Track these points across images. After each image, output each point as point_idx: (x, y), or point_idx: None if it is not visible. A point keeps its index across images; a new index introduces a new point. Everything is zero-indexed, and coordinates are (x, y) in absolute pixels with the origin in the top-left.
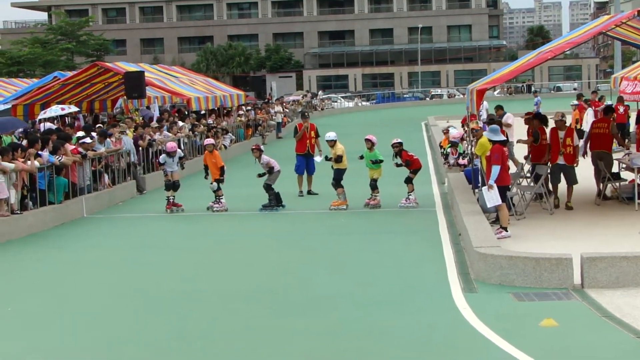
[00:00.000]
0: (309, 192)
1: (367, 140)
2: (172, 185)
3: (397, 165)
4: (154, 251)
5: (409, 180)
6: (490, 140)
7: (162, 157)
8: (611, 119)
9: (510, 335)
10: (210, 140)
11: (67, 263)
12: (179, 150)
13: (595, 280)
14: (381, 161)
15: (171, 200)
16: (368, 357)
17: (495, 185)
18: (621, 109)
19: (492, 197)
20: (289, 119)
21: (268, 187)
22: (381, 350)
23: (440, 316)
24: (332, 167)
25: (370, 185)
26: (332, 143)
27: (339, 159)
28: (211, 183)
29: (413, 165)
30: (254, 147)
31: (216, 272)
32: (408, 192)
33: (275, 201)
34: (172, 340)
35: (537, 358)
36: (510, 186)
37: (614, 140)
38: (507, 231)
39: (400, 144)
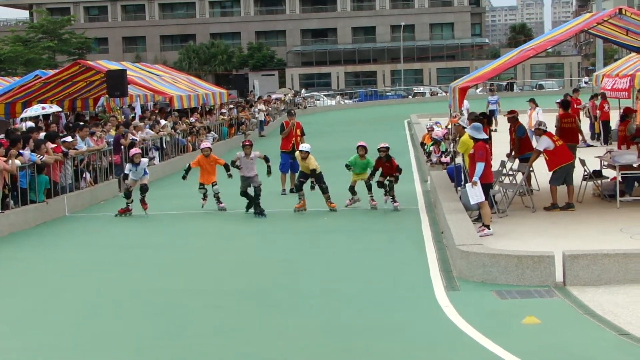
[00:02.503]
0: (293, 190)
1: (362, 147)
2: (130, 194)
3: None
4: (137, 250)
5: (392, 187)
6: (472, 138)
7: (128, 167)
8: (575, 114)
9: (493, 333)
10: (207, 144)
11: (48, 262)
12: (143, 160)
13: (578, 277)
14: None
15: (130, 207)
16: (352, 355)
17: (479, 182)
18: (606, 106)
19: (475, 193)
20: (271, 118)
21: (245, 194)
22: (365, 348)
23: (423, 314)
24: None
25: (368, 187)
26: (305, 155)
27: (312, 173)
28: (214, 185)
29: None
30: (246, 142)
31: (201, 270)
32: (393, 196)
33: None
34: (158, 339)
35: (520, 356)
36: (492, 184)
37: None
38: (489, 229)
39: (388, 148)
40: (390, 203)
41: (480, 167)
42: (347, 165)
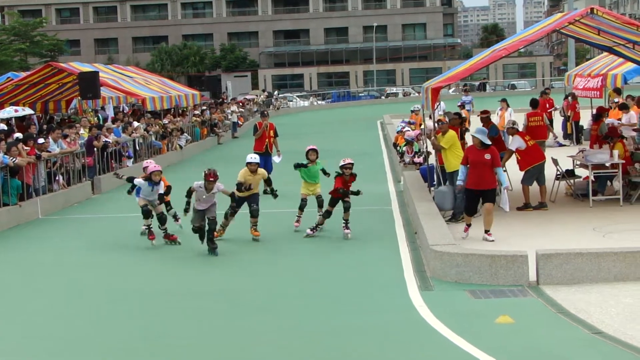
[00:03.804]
0: (266, 191)
1: (313, 150)
2: (149, 213)
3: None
4: (111, 252)
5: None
6: (482, 144)
7: (140, 181)
8: (543, 113)
9: (467, 333)
10: (155, 166)
11: (22, 264)
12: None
13: (551, 276)
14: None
15: (152, 229)
16: (327, 355)
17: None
18: (577, 107)
19: (506, 199)
20: (245, 119)
21: (200, 230)
22: (339, 348)
23: (397, 314)
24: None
25: (318, 203)
26: (254, 167)
27: (267, 182)
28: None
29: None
30: (210, 177)
31: (176, 272)
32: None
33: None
34: (133, 340)
35: (494, 355)
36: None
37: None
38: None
39: (353, 165)
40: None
41: (501, 171)
42: (298, 165)
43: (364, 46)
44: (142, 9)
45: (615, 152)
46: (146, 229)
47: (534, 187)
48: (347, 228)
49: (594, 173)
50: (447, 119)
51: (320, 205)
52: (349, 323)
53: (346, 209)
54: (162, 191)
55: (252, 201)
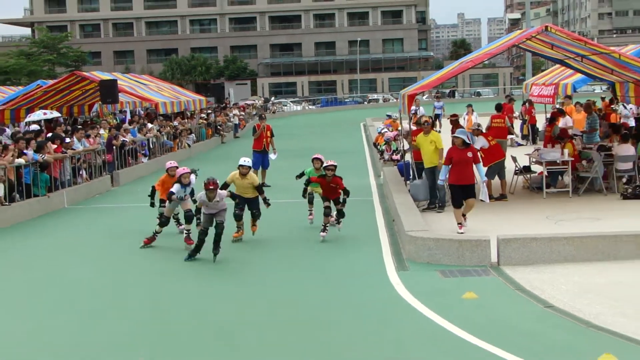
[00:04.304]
0: (263, 184)
1: (317, 159)
2: (192, 218)
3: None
4: (128, 237)
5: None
6: (464, 142)
7: (176, 188)
8: (506, 115)
9: (437, 307)
10: (174, 163)
11: (50, 248)
12: (192, 177)
13: (510, 258)
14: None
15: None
16: (311, 326)
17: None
18: (533, 111)
19: (486, 192)
20: (245, 121)
21: (205, 233)
22: (323, 321)
23: (376, 291)
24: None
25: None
26: (245, 170)
27: (257, 189)
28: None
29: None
30: (210, 185)
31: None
32: (327, 225)
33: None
34: (148, 310)
35: (460, 326)
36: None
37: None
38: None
39: (336, 167)
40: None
41: (481, 167)
42: (301, 174)
43: (349, 58)
44: (156, 25)
45: (566, 151)
46: (186, 233)
47: (496, 180)
48: (325, 231)
49: (547, 169)
50: (429, 121)
51: (311, 202)
52: (334, 299)
53: (325, 214)
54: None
55: (253, 207)
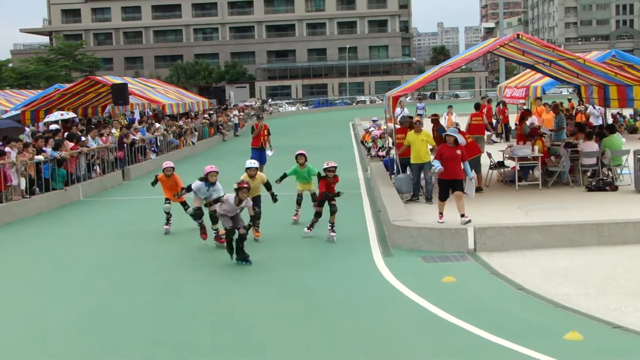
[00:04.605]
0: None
1: (301, 155)
2: (201, 216)
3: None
4: (138, 226)
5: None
6: (456, 140)
7: (197, 185)
8: (483, 113)
9: (419, 289)
10: (169, 164)
11: (67, 236)
12: (219, 183)
13: (485, 245)
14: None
15: (221, 234)
16: (304, 306)
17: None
18: (506, 112)
19: (472, 187)
20: (244, 121)
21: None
22: (315, 301)
23: (364, 274)
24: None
25: (313, 199)
26: (253, 172)
27: (266, 186)
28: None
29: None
30: (244, 184)
31: (190, 241)
32: (332, 223)
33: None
34: (160, 293)
35: (440, 307)
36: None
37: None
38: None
39: (336, 167)
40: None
41: (467, 164)
42: (284, 175)
43: (339, 63)
44: (163, 33)
45: (536, 148)
46: (199, 225)
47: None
48: (333, 231)
49: (520, 164)
50: (418, 120)
51: (314, 200)
52: (325, 281)
53: (332, 212)
54: (221, 193)
55: (256, 204)
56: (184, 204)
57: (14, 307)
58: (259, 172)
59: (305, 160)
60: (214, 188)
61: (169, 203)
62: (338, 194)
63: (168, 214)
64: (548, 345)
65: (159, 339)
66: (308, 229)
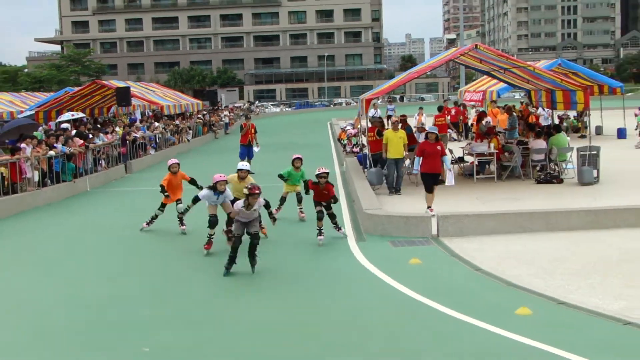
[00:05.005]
0: (248, 172)
1: (298, 159)
2: (216, 224)
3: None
4: (140, 214)
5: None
6: (436, 137)
7: (204, 193)
8: (445, 114)
9: (389, 270)
10: (174, 160)
11: (76, 223)
12: (228, 190)
13: (447, 231)
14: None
15: (212, 239)
16: (284, 285)
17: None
18: (466, 113)
19: (451, 178)
20: (234, 120)
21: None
22: (295, 281)
23: (339, 257)
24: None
25: (298, 199)
26: (244, 174)
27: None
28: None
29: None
30: (255, 189)
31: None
32: (322, 228)
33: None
34: (160, 277)
35: (407, 285)
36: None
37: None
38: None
39: (328, 174)
40: (336, 231)
41: (446, 158)
42: (280, 176)
43: (318, 69)
44: (162, 42)
45: (492, 145)
46: (208, 237)
47: None
48: (321, 234)
49: (477, 159)
50: (394, 120)
51: (299, 201)
52: (305, 263)
53: (319, 219)
54: (231, 198)
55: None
56: (179, 200)
57: (26, 285)
58: (249, 177)
59: (301, 164)
60: (224, 195)
61: (181, 202)
62: (335, 200)
63: (182, 213)
64: (501, 320)
65: (157, 316)
66: (320, 235)
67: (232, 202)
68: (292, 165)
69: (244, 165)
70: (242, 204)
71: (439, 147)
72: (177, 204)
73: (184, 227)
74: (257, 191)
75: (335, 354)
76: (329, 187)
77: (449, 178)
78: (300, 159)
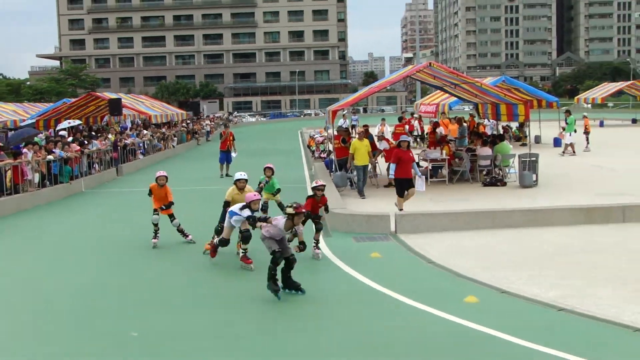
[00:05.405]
0: (227, 175)
1: (269, 168)
2: (250, 239)
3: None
4: (130, 211)
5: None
6: (409, 145)
7: (238, 208)
8: (404, 124)
9: (352, 263)
10: (162, 173)
11: (72, 220)
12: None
13: (404, 228)
14: (279, 190)
15: (247, 254)
16: (256, 275)
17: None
18: (422, 123)
19: (421, 183)
20: (214, 129)
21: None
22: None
23: (308, 251)
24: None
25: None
26: (243, 184)
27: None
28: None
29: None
30: (300, 209)
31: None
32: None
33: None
34: (146, 270)
35: (368, 277)
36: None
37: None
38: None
39: (324, 186)
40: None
41: (415, 165)
42: (260, 183)
43: (291, 84)
44: (150, 59)
45: (444, 152)
46: (242, 253)
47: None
48: (318, 248)
49: (431, 164)
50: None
51: (282, 208)
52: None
53: (317, 230)
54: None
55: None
56: (172, 216)
57: (28, 274)
58: (248, 187)
59: (272, 174)
60: (257, 215)
61: (158, 214)
62: (326, 210)
63: (156, 225)
64: (451, 306)
65: (146, 300)
66: (316, 248)
67: (264, 219)
68: (263, 173)
69: (241, 175)
70: (284, 223)
71: (411, 154)
72: (171, 221)
73: (190, 237)
74: (302, 210)
75: (301, 336)
76: (324, 200)
77: (420, 184)
78: (271, 168)
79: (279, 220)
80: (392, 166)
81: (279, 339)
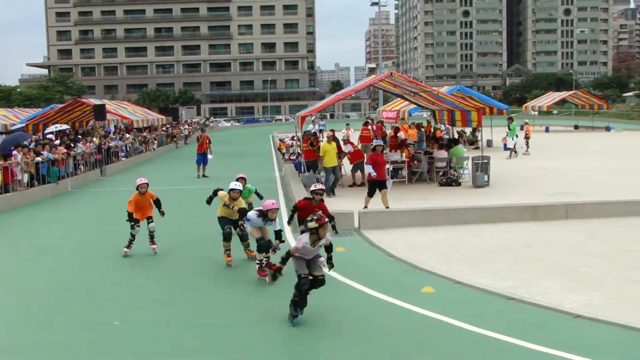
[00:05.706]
0: (204, 175)
1: (242, 178)
2: (268, 246)
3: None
4: (114, 211)
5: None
6: (383, 149)
7: (254, 215)
8: (369, 128)
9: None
10: (143, 180)
11: (59, 218)
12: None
13: (367, 225)
14: (256, 191)
15: (265, 262)
16: (224, 273)
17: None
18: (383, 128)
19: (389, 184)
20: (192, 133)
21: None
22: (235, 268)
23: (280, 253)
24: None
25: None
26: (236, 194)
27: (241, 212)
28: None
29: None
30: (323, 219)
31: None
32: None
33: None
34: (132, 263)
35: (333, 270)
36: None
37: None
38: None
39: (324, 190)
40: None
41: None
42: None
43: (263, 91)
44: (133, 68)
45: (404, 154)
46: (259, 263)
47: (358, 173)
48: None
49: (392, 166)
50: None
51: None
52: (242, 252)
53: (327, 249)
54: (278, 227)
55: (234, 225)
56: (150, 219)
57: (18, 269)
58: (240, 199)
59: (245, 183)
60: (272, 224)
61: (139, 226)
62: (333, 222)
63: (134, 237)
64: (410, 296)
65: (136, 297)
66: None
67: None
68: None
69: (235, 185)
70: (308, 239)
71: (385, 158)
72: (148, 223)
73: (154, 246)
74: (326, 220)
75: (269, 322)
76: (322, 206)
77: (388, 184)
78: (243, 178)
79: (302, 238)
80: (369, 167)
81: (243, 324)
